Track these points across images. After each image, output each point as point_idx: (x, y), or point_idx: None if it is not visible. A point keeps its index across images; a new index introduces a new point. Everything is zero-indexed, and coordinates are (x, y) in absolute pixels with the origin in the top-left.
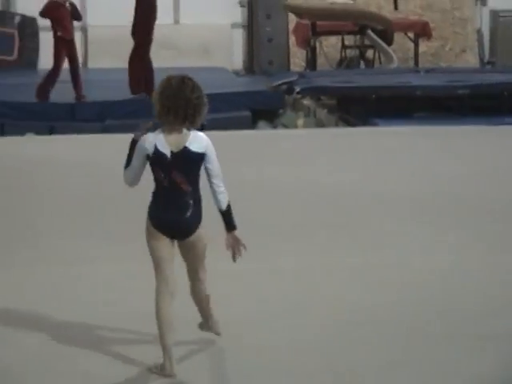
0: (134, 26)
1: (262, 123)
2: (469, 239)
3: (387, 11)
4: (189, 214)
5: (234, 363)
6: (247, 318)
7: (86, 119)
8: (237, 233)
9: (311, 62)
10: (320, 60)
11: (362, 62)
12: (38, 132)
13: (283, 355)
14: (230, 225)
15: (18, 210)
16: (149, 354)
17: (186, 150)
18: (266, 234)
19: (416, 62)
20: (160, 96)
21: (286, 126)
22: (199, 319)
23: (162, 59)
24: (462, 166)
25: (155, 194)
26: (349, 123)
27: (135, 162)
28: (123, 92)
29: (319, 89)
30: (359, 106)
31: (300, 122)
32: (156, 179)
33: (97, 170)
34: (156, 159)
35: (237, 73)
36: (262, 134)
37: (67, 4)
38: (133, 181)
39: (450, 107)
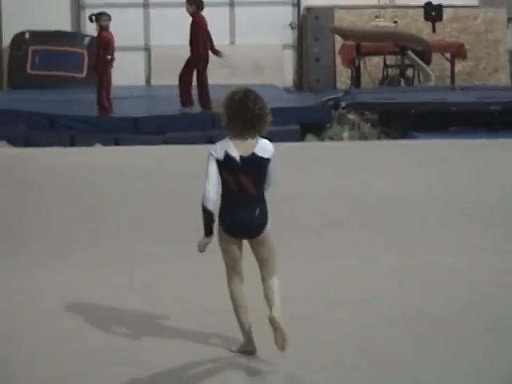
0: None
1: (309, 136)
2: (499, 242)
3: (426, 34)
4: (256, 213)
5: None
6: (297, 314)
7: (148, 132)
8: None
9: (356, 80)
10: (364, 78)
11: (402, 80)
12: (105, 143)
13: (327, 348)
14: None
15: (88, 211)
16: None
17: (254, 156)
18: (312, 236)
19: (452, 81)
20: (226, 109)
21: (332, 139)
22: None
23: (219, 77)
24: (493, 176)
25: (224, 198)
26: (390, 136)
27: (213, 173)
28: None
29: (363, 105)
30: (399, 121)
31: (345, 134)
32: (224, 183)
33: (158, 177)
34: (226, 163)
35: (287, 89)
36: (310, 146)
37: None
38: (216, 189)
39: (483, 122)
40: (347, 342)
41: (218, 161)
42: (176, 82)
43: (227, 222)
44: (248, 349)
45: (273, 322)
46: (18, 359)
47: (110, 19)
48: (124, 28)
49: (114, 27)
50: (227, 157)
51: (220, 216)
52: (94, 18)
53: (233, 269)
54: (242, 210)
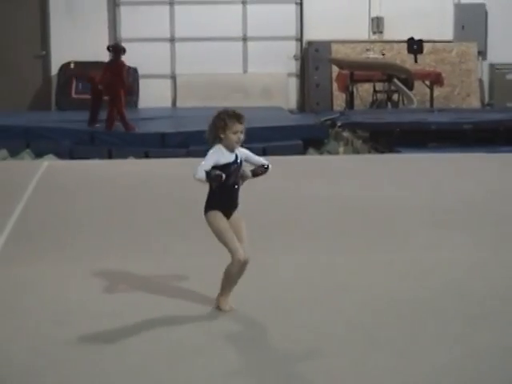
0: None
1: (311, 150)
2: (470, 239)
3: (409, 64)
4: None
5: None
6: (302, 302)
7: (174, 145)
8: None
9: (349, 103)
10: (356, 101)
11: (389, 104)
12: (136, 156)
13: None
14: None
15: (123, 214)
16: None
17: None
18: (311, 234)
19: (431, 104)
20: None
21: (330, 153)
22: None
23: (233, 100)
24: (467, 185)
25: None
26: (378, 151)
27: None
28: (202, 124)
29: (355, 124)
30: (386, 138)
31: (341, 149)
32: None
33: (182, 185)
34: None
35: (291, 111)
36: (311, 159)
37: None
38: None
39: (457, 139)
40: (342, 323)
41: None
42: (197, 104)
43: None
44: (225, 308)
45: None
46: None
47: (124, 51)
48: (154, 58)
49: (145, 58)
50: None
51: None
52: (111, 48)
53: (231, 240)
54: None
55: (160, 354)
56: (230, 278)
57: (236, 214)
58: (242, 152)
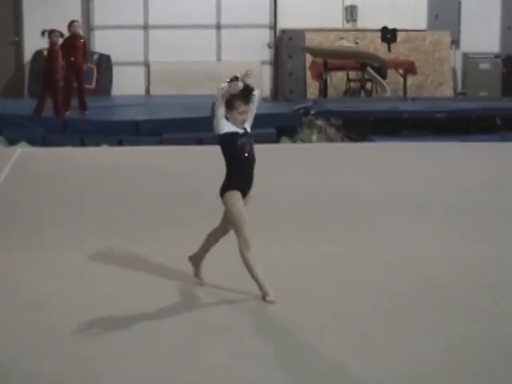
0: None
1: (284, 138)
2: (441, 229)
3: (382, 53)
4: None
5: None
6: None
7: (147, 133)
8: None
9: (323, 92)
10: (330, 90)
11: (362, 92)
12: (110, 144)
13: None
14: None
15: (96, 201)
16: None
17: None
18: (285, 222)
19: (404, 92)
20: None
21: (303, 141)
22: None
23: (207, 88)
24: (439, 174)
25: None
26: (351, 139)
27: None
28: (176, 112)
29: (329, 112)
30: (359, 126)
31: (314, 137)
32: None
33: (155, 172)
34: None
35: (265, 99)
36: (284, 147)
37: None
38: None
39: (430, 127)
40: (313, 313)
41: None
42: (171, 92)
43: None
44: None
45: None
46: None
47: (61, 36)
48: (127, 46)
49: (118, 45)
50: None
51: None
52: (46, 33)
53: (245, 225)
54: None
55: (135, 341)
56: (252, 266)
57: (249, 195)
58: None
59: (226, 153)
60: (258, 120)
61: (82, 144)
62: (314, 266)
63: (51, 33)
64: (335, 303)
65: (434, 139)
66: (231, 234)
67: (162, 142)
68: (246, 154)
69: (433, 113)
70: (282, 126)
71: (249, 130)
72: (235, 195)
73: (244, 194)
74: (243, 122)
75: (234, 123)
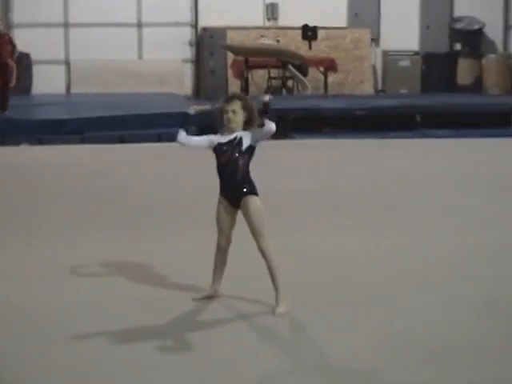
0: None
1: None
2: (358, 226)
3: (303, 50)
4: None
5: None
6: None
7: (68, 132)
8: None
9: (244, 89)
10: (251, 88)
11: (283, 90)
12: (30, 143)
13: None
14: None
15: (15, 202)
16: None
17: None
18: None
19: (325, 90)
20: None
21: None
22: None
23: (128, 86)
24: (359, 171)
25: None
26: (273, 137)
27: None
28: (97, 110)
29: None
30: (281, 123)
31: None
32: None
33: (76, 170)
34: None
35: (187, 97)
36: None
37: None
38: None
39: (351, 124)
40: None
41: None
42: (92, 90)
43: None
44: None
45: None
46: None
47: None
48: (47, 44)
49: (38, 44)
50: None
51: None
52: None
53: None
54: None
55: (118, 338)
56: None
57: (245, 204)
58: (247, 133)
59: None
60: (180, 118)
61: (2, 143)
62: (234, 263)
63: None
64: (252, 302)
65: (355, 136)
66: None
67: (83, 141)
68: (222, 161)
69: (353, 110)
70: (203, 124)
71: (240, 137)
72: (219, 199)
73: (231, 202)
74: (227, 121)
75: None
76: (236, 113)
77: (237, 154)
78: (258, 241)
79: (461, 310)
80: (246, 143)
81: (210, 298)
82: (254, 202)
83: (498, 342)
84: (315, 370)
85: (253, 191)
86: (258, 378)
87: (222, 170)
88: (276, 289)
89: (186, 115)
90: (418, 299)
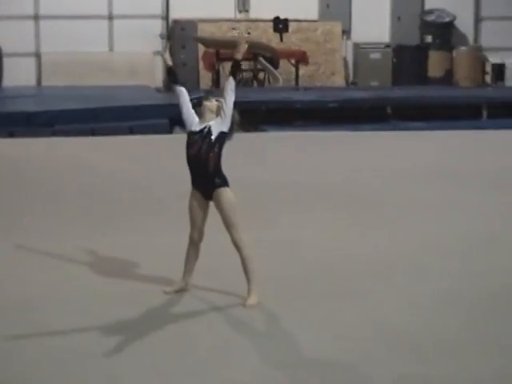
0: None
1: (177, 129)
2: (332, 218)
3: (274, 43)
4: None
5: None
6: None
7: (39, 124)
8: None
9: (216, 82)
10: (223, 80)
11: (255, 82)
12: (1, 136)
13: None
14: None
15: None
16: None
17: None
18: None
19: (296, 82)
20: None
21: None
22: None
23: (99, 79)
24: (331, 163)
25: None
26: (244, 129)
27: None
28: (68, 103)
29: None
30: (252, 116)
31: None
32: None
33: (47, 164)
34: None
35: (158, 90)
36: (177, 137)
37: None
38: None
39: (323, 117)
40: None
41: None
42: (63, 83)
43: None
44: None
45: None
46: None
47: None
48: (18, 36)
49: (8, 36)
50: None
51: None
52: None
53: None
54: None
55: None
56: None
57: (217, 196)
58: (216, 120)
59: None
60: (152, 110)
61: None
62: (207, 255)
63: None
64: (230, 295)
65: (326, 128)
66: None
67: (54, 134)
68: (191, 152)
69: (325, 102)
70: (175, 117)
71: (214, 128)
72: (191, 192)
73: (203, 194)
74: (203, 116)
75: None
76: (212, 112)
77: (206, 147)
78: (231, 233)
79: (429, 303)
80: (215, 131)
81: (181, 290)
82: (226, 194)
83: (464, 335)
84: (288, 362)
85: (224, 183)
86: (234, 369)
87: (192, 162)
88: (248, 280)
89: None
90: (392, 292)
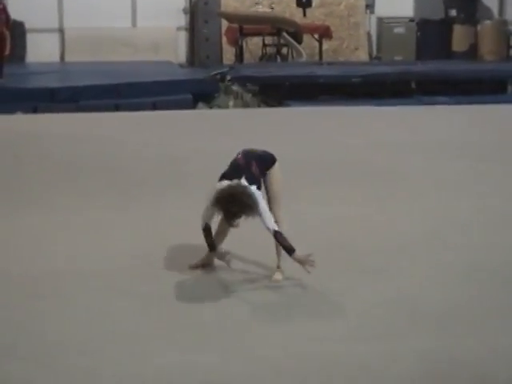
0: None
1: (200, 104)
2: (357, 194)
3: (298, 18)
4: None
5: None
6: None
7: (63, 100)
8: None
9: (239, 57)
10: (246, 55)
11: (278, 57)
12: (25, 111)
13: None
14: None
15: (11, 170)
16: None
17: None
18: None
19: (320, 57)
20: None
21: (220, 107)
22: None
23: (122, 55)
24: (355, 139)
25: None
26: (268, 105)
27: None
28: (92, 78)
29: (245, 78)
30: (276, 91)
31: (231, 103)
32: None
33: (71, 139)
34: None
35: (181, 65)
36: (201, 113)
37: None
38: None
39: (346, 92)
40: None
41: None
42: (86, 58)
43: None
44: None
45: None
46: None
47: None
48: (41, 12)
49: (32, 12)
50: None
51: None
52: None
53: None
54: None
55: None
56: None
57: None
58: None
59: None
60: (175, 86)
61: None
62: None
63: None
64: (250, 271)
65: (350, 104)
66: None
67: (78, 109)
68: None
69: (348, 77)
70: (198, 92)
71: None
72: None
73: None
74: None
75: None
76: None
77: None
78: (276, 209)
79: (449, 277)
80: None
81: (206, 265)
82: (279, 170)
83: (485, 308)
84: (316, 336)
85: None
86: (249, 349)
87: None
88: (278, 256)
89: None
90: (413, 266)
